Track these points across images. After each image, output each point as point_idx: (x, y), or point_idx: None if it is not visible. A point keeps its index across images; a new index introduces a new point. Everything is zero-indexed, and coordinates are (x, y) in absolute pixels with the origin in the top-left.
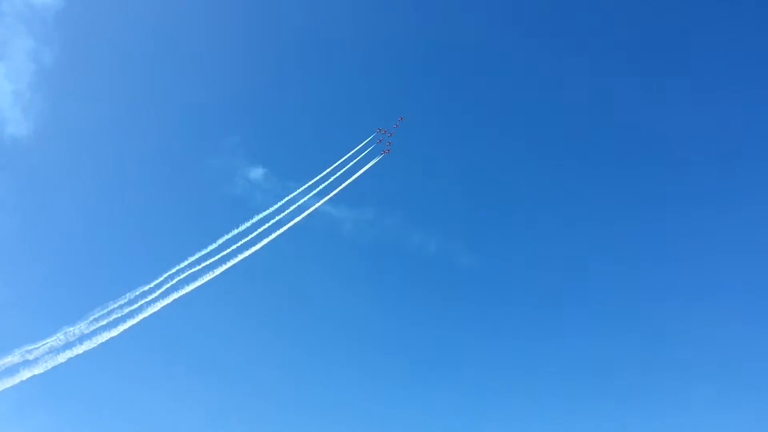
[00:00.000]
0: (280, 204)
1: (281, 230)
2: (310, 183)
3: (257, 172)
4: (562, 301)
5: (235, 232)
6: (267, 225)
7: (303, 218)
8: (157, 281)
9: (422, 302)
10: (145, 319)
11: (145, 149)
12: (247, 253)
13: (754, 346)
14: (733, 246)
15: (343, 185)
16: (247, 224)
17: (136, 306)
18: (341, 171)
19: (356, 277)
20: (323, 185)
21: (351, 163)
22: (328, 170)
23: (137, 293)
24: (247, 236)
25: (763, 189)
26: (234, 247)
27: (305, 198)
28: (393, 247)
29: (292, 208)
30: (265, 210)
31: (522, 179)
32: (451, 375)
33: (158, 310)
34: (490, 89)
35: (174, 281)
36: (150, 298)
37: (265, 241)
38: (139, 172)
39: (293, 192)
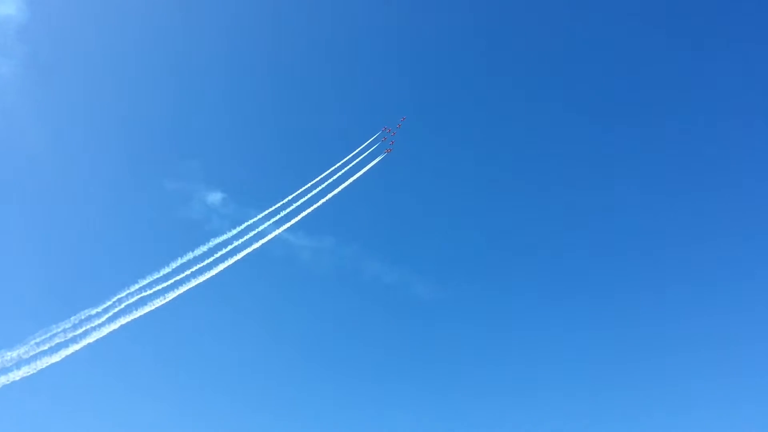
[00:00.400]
0: (238, 230)
1: (237, 256)
2: (270, 209)
3: (215, 197)
4: (520, 331)
5: (190, 256)
6: (224, 251)
7: (261, 245)
8: (105, 305)
9: (378, 331)
10: (89, 344)
11: (102, 168)
12: (201, 279)
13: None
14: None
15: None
16: (203, 249)
17: (80, 330)
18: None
19: (313, 304)
20: (295, 205)
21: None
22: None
23: (83, 317)
24: (202, 261)
25: None
26: (188, 272)
27: (264, 225)
28: (351, 276)
29: (250, 235)
30: (221, 235)
31: (485, 214)
32: (407, 402)
33: (105, 336)
34: (463, 122)
35: (123, 305)
36: (96, 322)
37: (220, 267)
38: (95, 190)
39: (252, 218)
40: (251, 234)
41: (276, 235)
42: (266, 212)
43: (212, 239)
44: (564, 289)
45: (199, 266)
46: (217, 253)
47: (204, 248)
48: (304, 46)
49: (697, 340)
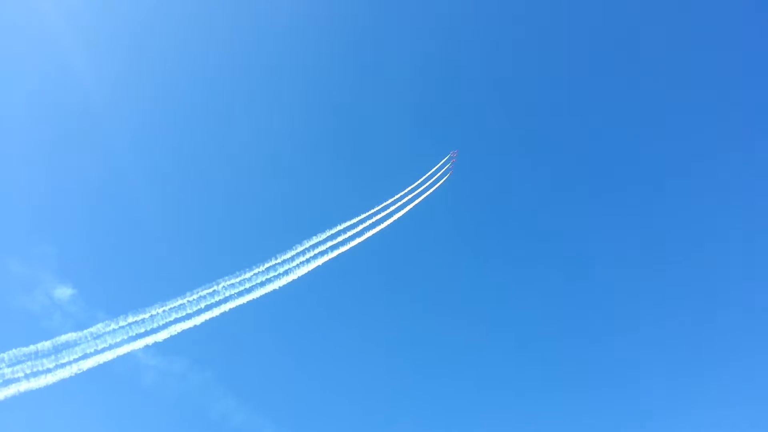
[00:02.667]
0: (79, 334)
1: (71, 365)
2: (134, 319)
3: (64, 292)
4: None
5: (16, 352)
6: (59, 355)
7: (103, 356)
8: None
9: None
10: None
11: None
12: (22, 386)
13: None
14: None
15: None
16: (34, 348)
17: None
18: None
19: None
20: (141, 317)
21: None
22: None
23: None
24: (31, 360)
25: None
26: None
27: (114, 335)
28: (197, 410)
29: (96, 343)
30: (60, 335)
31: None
32: None
33: None
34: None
35: None
36: None
37: (47, 378)
38: None
39: (100, 323)
40: (98, 343)
41: (124, 348)
42: (130, 321)
43: (49, 338)
44: None
45: (24, 371)
46: (49, 356)
47: (34, 348)
48: None
49: None
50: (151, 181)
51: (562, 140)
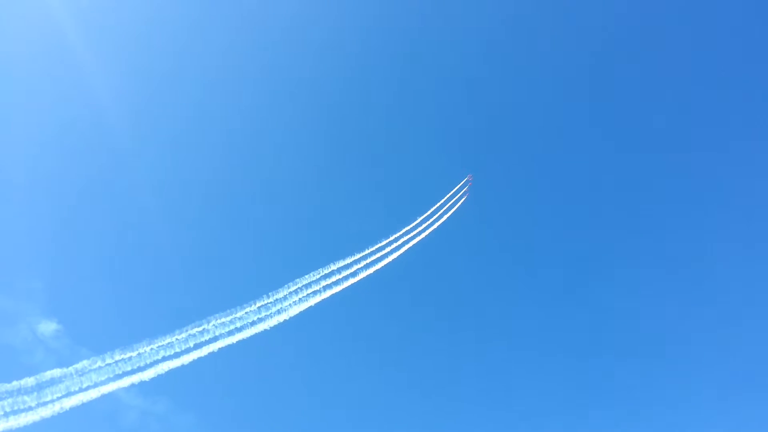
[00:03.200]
0: (65, 370)
1: (53, 403)
2: (121, 356)
3: (48, 327)
4: None
5: None
6: (42, 392)
7: (86, 394)
8: None
9: None
10: None
11: None
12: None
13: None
14: None
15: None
16: (17, 384)
17: None
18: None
19: None
20: (128, 355)
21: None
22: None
23: None
24: (12, 397)
25: None
26: None
27: (99, 373)
28: None
29: (81, 381)
30: (42, 371)
31: None
32: None
33: None
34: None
35: None
36: None
37: (28, 417)
38: None
39: (85, 360)
40: (80, 379)
41: (106, 388)
42: (114, 359)
43: (30, 375)
44: None
45: (4, 408)
46: (29, 393)
47: (16, 384)
48: None
49: None
50: (140, 217)
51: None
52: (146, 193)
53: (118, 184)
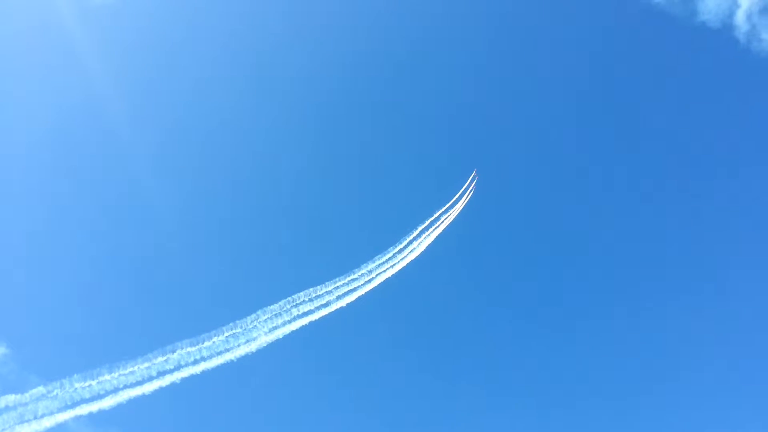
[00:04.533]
0: (14, 398)
1: None
2: (76, 386)
3: None
4: None
5: None
6: None
7: (36, 424)
8: None
9: None
10: None
11: None
12: None
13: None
14: None
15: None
16: None
17: None
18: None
19: None
20: (87, 383)
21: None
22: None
23: None
24: None
25: None
26: None
27: (51, 401)
28: None
29: (31, 409)
30: None
31: None
32: None
33: None
34: None
35: None
36: None
37: None
38: None
39: (36, 387)
40: (28, 408)
41: (62, 418)
42: (71, 386)
43: None
44: None
45: None
46: None
47: None
48: None
49: None
50: (101, 233)
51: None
52: (109, 209)
53: (76, 198)
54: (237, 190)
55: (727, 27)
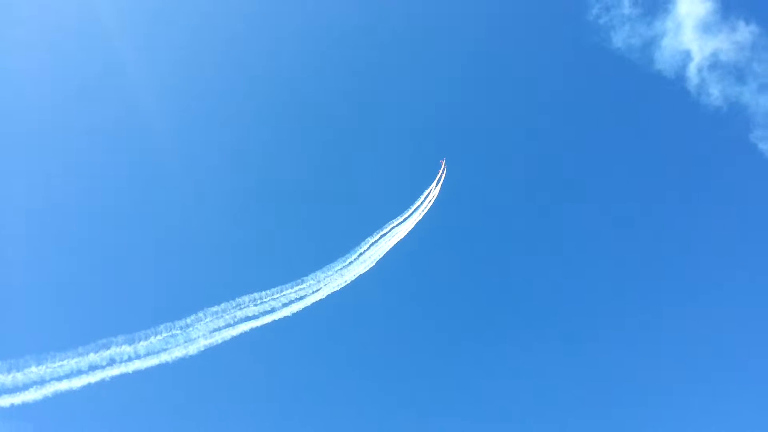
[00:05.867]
0: None
1: None
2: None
3: None
4: None
5: None
6: None
7: None
8: None
9: None
10: None
11: None
12: None
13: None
14: None
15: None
16: None
17: None
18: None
19: None
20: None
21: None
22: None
23: None
24: None
25: None
26: None
27: None
28: None
29: None
30: None
31: None
32: None
33: None
34: None
35: None
36: None
37: None
38: None
39: None
40: None
41: None
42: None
43: None
44: None
45: None
46: None
47: None
48: None
49: None
50: (35, 221)
51: None
52: (57, 193)
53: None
54: (191, 186)
55: (680, 78)
